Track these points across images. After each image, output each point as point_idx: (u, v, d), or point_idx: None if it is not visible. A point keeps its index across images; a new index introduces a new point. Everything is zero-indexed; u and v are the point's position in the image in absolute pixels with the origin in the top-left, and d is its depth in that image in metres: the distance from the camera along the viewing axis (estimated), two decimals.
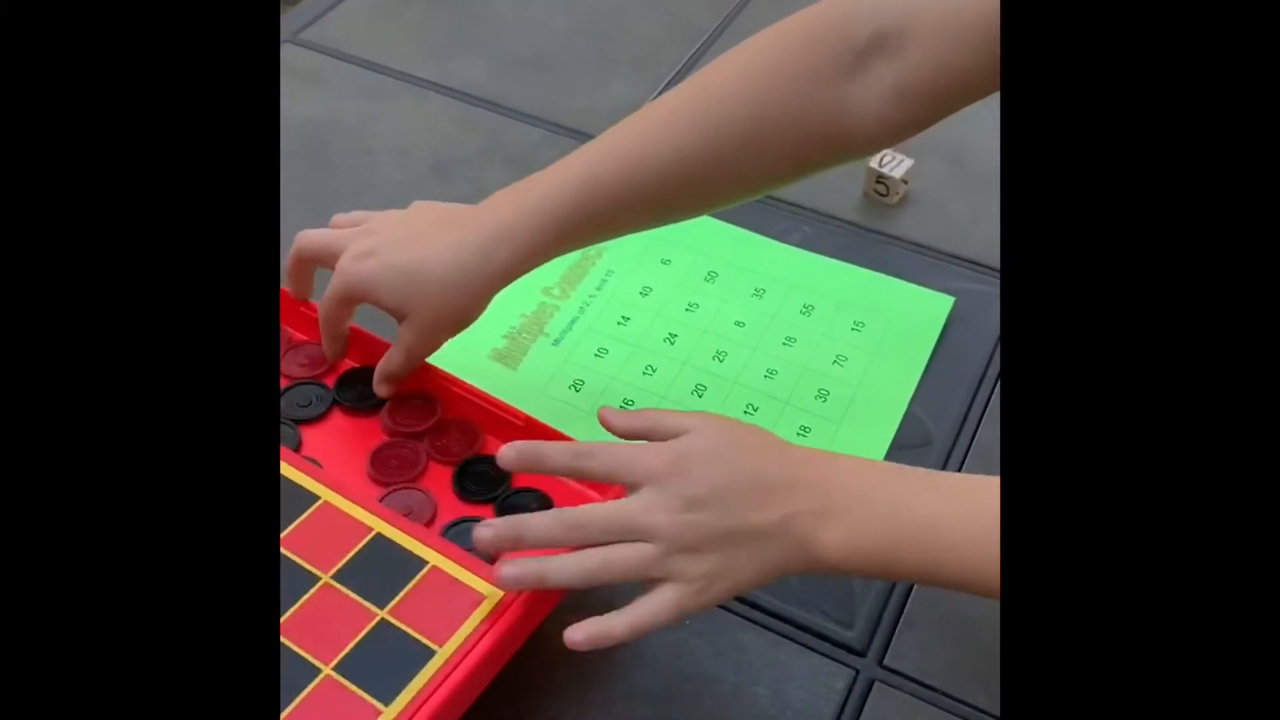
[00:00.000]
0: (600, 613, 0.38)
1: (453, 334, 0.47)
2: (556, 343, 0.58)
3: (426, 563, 0.40)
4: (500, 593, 0.39)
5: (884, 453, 0.53)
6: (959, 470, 0.53)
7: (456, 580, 0.40)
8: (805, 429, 0.55)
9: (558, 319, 0.59)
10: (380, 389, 0.48)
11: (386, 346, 0.48)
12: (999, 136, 0.74)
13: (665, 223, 0.50)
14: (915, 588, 0.48)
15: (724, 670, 0.45)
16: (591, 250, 0.63)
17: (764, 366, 0.57)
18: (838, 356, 0.58)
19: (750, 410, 0.55)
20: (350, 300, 0.47)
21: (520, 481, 0.46)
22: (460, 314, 0.46)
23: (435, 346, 0.47)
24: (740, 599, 0.48)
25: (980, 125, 0.72)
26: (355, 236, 0.47)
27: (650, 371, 0.57)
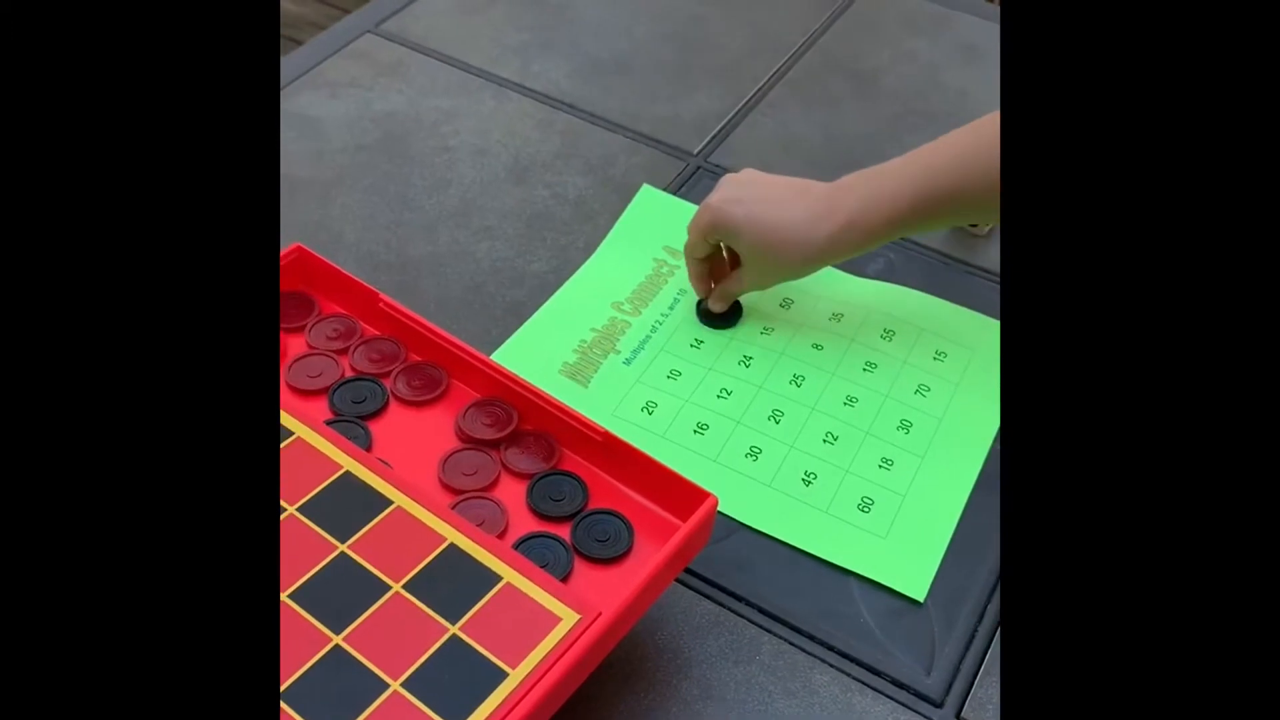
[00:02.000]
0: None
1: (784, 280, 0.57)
2: (628, 361, 0.56)
3: (501, 578, 0.39)
4: (576, 615, 0.38)
5: (969, 490, 0.51)
6: None
7: (531, 599, 0.38)
8: (888, 461, 0.52)
9: (630, 336, 0.58)
10: (715, 305, 0.58)
11: (446, 338, 0.47)
12: None
13: (957, 224, 0.62)
14: (997, 637, 0.46)
15: (794, 712, 0.43)
16: (664, 268, 0.61)
17: (844, 393, 0.55)
18: (920, 386, 0.56)
19: (830, 439, 0.53)
20: (714, 232, 0.55)
21: (600, 502, 0.44)
22: (797, 273, 0.55)
23: (767, 287, 0.58)
24: (815, 638, 0.46)
25: None
26: (725, 182, 0.56)
27: (725, 395, 0.55)
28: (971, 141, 0.52)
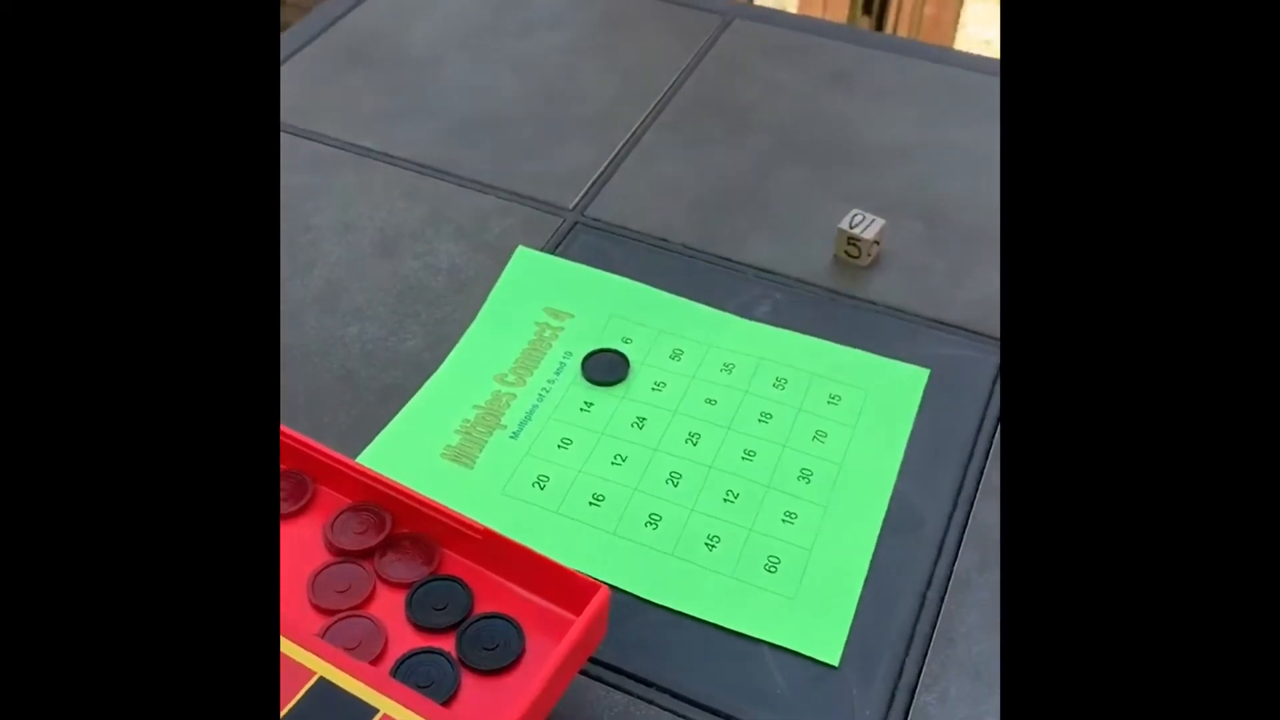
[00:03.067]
0: None
1: None
2: (514, 435, 0.54)
3: (377, 711, 0.36)
4: None
5: (874, 539, 0.50)
6: (956, 556, 0.49)
7: None
8: (791, 514, 0.51)
9: (515, 408, 0.55)
10: None
11: (306, 443, 0.44)
12: (973, 194, 0.72)
13: None
14: (917, 695, 0.44)
15: None
16: (547, 332, 0.59)
17: (741, 447, 0.53)
18: (817, 432, 0.54)
19: (731, 498, 0.51)
20: None
21: (486, 605, 0.41)
22: None
23: None
24: (724, 714, 0.43)
25: (954, 183, 0.69)
26: None
27: (620, 461, 0.53)
28: None
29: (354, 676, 0.36)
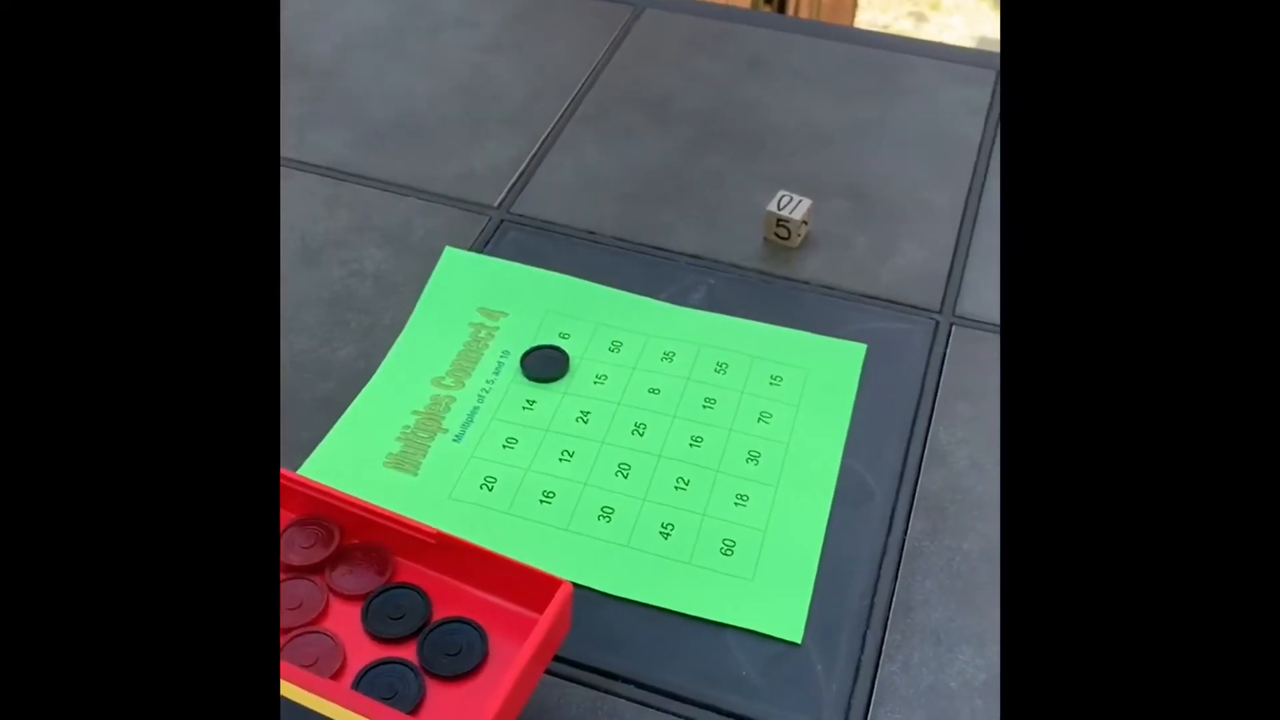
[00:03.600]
0: None
1: None
2: (458, 439, 0.53)
3: None
4: None
5: (826, 514, 0.50)
6: (906, 525, 0.50)
7: None
8: (743, 497, 0.51)
9: (455, 411, 0.54)
10: None
11: None
12: (892, 170, 0.73)
13: None
14: (882, 665, 0.45)
15: None
16: (482, 332, 0.58)
17: (688, 434, 0.53)
18: (761, 414, 0.54)
19: (682, 485, 0.51)
20: None
21: (444, 611, 0.40)
22: None
23: None
24: (700, 703, 0.43)
25: (876, 161, 0.70)
26: None
27: (567, 457, 0.52)
28: None
29: (315, 693, 0.35)
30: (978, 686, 0.44)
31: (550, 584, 0.39)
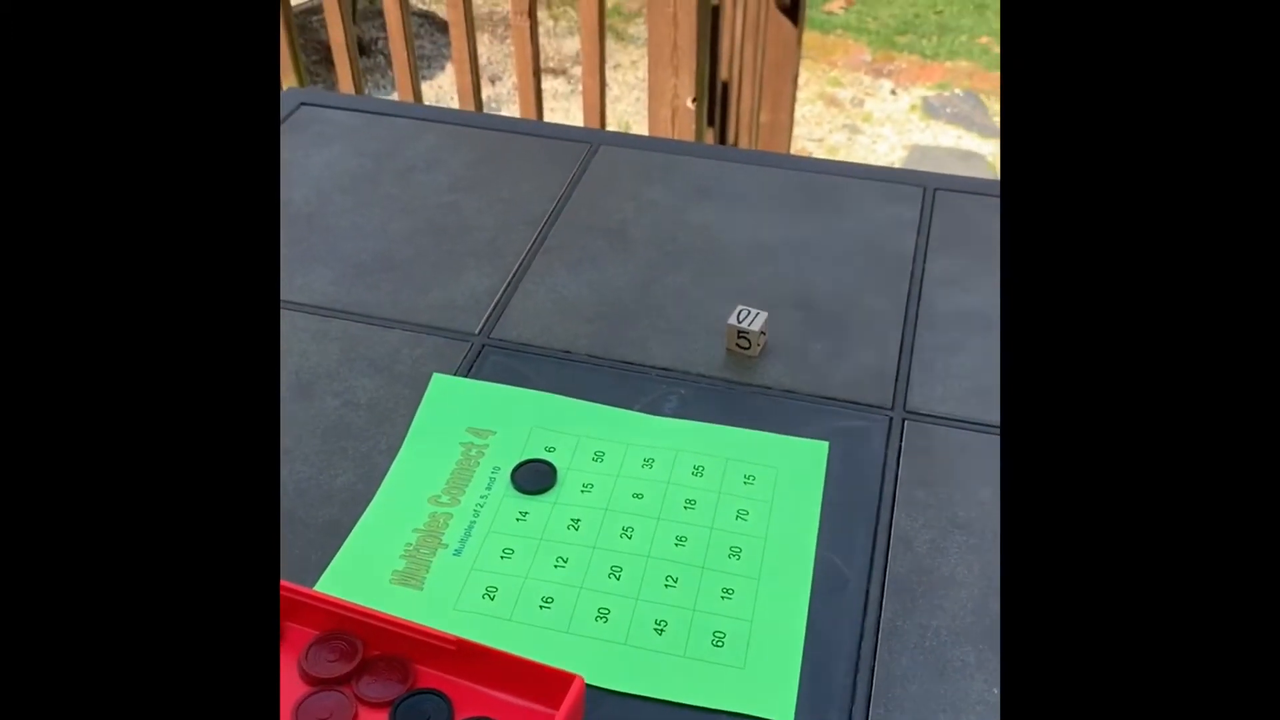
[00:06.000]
0: None
1: None
2: (457, 553, 0.56)
3: None
4: None
5: (806, 602, 0.54)
6: (881, 606, 0.54)
7: None
8: (729, 591, 0.54)
9: (454, 526, 0.58)
10: None
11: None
12: (836, 281, 0.79)
13: None
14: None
15: None
16: (473, 450, 0.62)
17: (672, 534, 0.57)
18: (739, 511, 0.59)
19: (671, 583, 0.55)
20: None
21: (466, 711, 0.43)
22: None
23: None
24: None
25: (822, 274, 0.77)
26: None
27: (562, 563, 0.56)
28: None
29: None
30: None
31: (563, 680, 0.42)
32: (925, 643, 0.52)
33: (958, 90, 2.93)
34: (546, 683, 0.42)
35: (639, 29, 3.12)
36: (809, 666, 0.51)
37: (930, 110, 2.85)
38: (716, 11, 1.64)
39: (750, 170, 0.87)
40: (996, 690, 0.50)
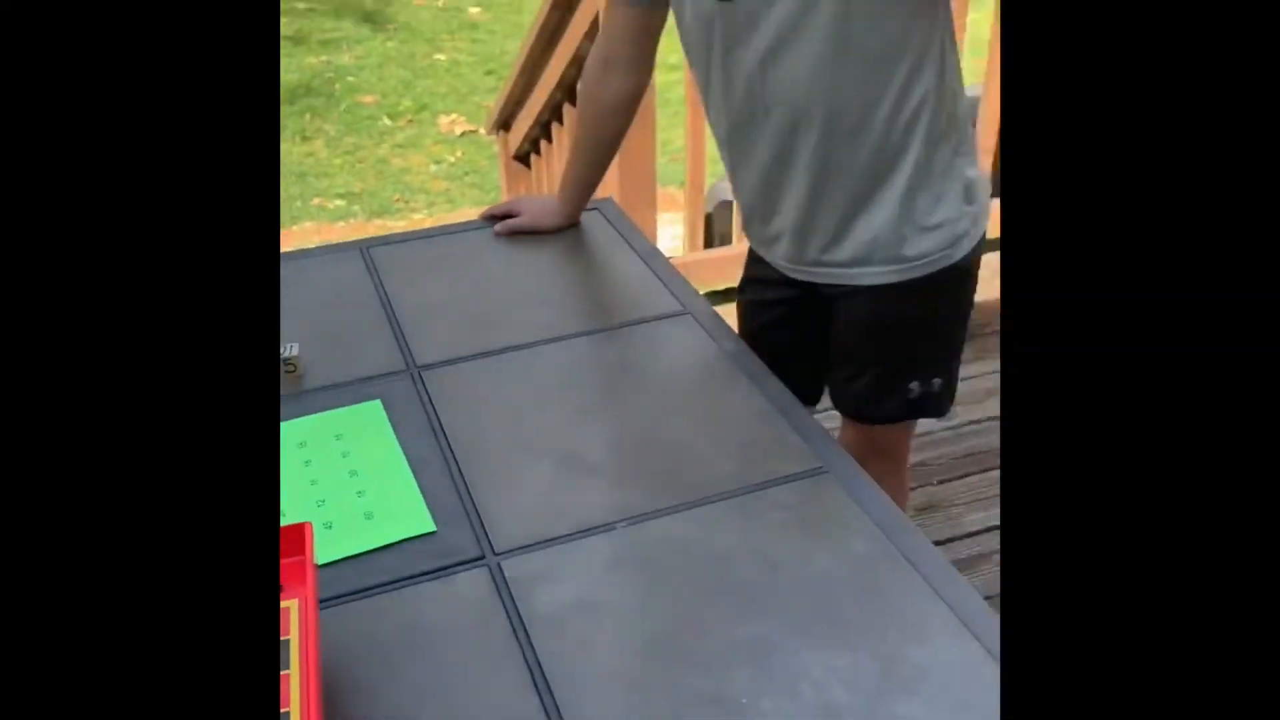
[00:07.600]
0: None
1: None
2: None
3: None
4: None
5: (413, 480, 0.84)
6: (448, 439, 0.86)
7: None
8: (362, 492, 0.83)
9: None
10: (501, 229, 1.16)
11: None
12: None
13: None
14: None
15: None
16: None
17: (335, 482, 0.83)
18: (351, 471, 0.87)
19: (332, 506, 0.81)
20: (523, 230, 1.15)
21: None
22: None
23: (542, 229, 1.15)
24: None
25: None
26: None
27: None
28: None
29: None
30: None
31: (298, 530, 0.68)
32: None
33: None
34: (287, 538, 0.67)
35: None
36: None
37: None
38: None
39: None
40: None
